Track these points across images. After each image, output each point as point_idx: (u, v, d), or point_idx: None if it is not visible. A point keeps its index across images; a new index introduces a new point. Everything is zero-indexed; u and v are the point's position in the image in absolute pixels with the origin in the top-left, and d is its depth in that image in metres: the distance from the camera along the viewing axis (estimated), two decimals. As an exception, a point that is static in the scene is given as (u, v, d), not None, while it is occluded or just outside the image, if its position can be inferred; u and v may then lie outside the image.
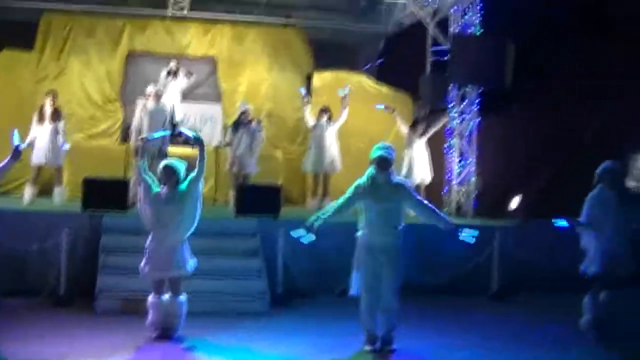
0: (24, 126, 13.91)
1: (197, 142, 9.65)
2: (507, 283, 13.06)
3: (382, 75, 20.32)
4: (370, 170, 8.87)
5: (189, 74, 17.70)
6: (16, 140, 8.89)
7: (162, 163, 9.31)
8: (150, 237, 9.12)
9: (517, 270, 13.08)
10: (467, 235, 8.87)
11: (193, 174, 9.24)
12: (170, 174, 9.04)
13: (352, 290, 9.08)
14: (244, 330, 10.01)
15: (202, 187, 9.58)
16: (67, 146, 14.54)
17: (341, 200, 8.95)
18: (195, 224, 9.10)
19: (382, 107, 16.03)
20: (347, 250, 9.32)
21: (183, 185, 9.05)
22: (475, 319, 11.40)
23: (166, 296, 9.13)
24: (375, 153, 8.85)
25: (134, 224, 10.81)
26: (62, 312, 10.93)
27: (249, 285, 11.46)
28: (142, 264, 9.14)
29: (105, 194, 12.42)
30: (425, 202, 9.15)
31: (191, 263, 9.13)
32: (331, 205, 9.22)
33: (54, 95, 14.71)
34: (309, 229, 8.85)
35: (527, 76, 16.27)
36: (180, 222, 8.95)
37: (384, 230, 8.78)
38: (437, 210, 9.10)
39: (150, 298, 9.19)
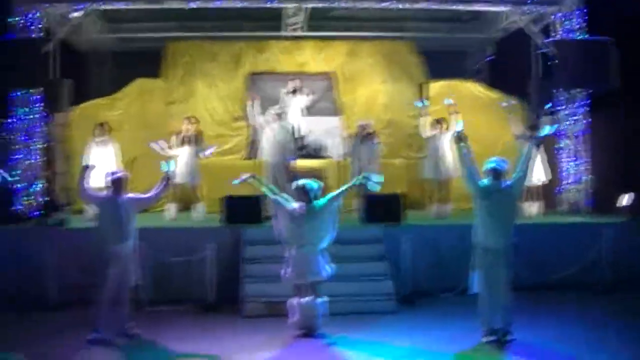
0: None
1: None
2: (616, 279, 13.83)
3: (492, 81, 21.38)
4: (484, 180, 10.17)
5: (310, 93, 19.16)
6: (165, 167, 10.60)
7: (297, 182, 10.72)
8: (289, 247, 10.56)
9: (628, 266, 13.89)
10: None
11: (332, 194, 10.68)
12: (303, 192, 10.43)
13: (471, 289, 10.37)
14: (375, 327, 11.38)
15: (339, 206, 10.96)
16: (209, 151, 16.27)
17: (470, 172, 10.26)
18: (331, 237, 10.50)
19: (505, 105, 17.05)
20: (466, 251, 10.56)
21: (320, 202, 10.45)
22: (586, 313, 12.30)
23: (306, 298, 10.58)
24: (489, 165, 10.14)
25: (271, 236, 12.26)
26: (210, 317, 12.51)
27: (377, 287, 12.75)
28: (284, 270, 10.61)
29: (242, 209, 14.06)
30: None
31: (328, 269, 10.54)
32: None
33: (192, 119, 16.48)
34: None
35: (634, 75, 17.07)
36: (317, 234, 10.33)
37: (497, 232, 10.03)
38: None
39: (292, 301, 10.65)
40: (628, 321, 11.83)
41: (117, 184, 10.76)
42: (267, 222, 13.92)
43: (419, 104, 17.28)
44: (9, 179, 16.48)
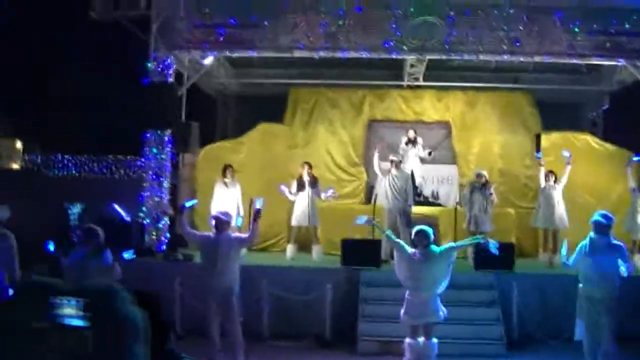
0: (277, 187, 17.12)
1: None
2: None
3: (605, 133, 21.90)
4: (591, 233, 10.83)
5: (429, 152, 19.88)
6: (258, 204, 11.60)
7: (417, 228, 11.54)
8: (407, 290, 11.38)
9: None
10: None
11: (453, 245, 11.52)
12: (422, 237, 11.22)
13: (577, 335, 11.00)
14: (485, 370, 12.13)
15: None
16: (330, 192, 17.04)
17: (572, 261, 10.95)
18: (446, 283, 11.27)
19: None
20: (572, 299, 11.19)
21: (437, 249, 11.24)
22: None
23: (420, 339, 11.35)
24: (594, 218, 10.83)
25: (388, 278, 13.21)
26: (326, 353, 13.44)
27: (488, 331, 13.48)
28: (402, 311, 11.42)
29: (360, 252, 15.01)
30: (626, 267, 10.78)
31: (442, 312, 11.31)
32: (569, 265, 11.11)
33: (309, 165, 17.42)
34: None
35: None
36: (434, 279, 11.05)
37: (601, 283, 10.65)
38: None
39: (407, 340, 11.43)
40: None
41: (217, 224, 11.58)
42: (383, 265, 14.84)
43: (538, 155, 17.94)
44: (126, 216, 17.75)
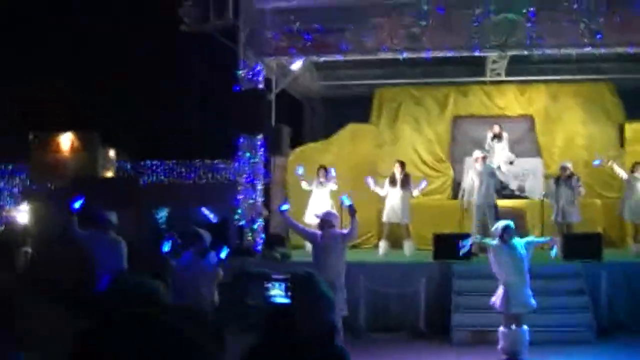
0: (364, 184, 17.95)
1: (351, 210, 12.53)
2: None
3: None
4: None
5: (511, 162, 20.13)
6: (346, 201, 12.38)
7: (503, 223, 12.28)
8: (502, 279, 12.08)
9: None
10: None
11: (530, 240, 12.27)
12: (511, 232, 12.01)
13: None
14: (574, 355, 12.81)
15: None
16: (423, 185, 17.88)
17: None
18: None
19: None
20: None
21: (519, 242, 11.99)
22: None
23: (513, 327, 12.04)
24: None
25: (479, 270, 14.03)
26: (422, 344, 14.22)
27: (578, 318, 14.07)
28: (494, 301, 12.10)
29: (451, 246, 15.67)
30: None
31: (533, 301, 12.00)
32: None
33: (402, 163, 18.22)
34: None
35: None
36: (521, 269, 11.86)
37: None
38: None
39: (501, 329, 12.15)
40: None
41: (323, 222, 12.46)
42: (474, 258, 15.56)
43: (597, 163, 18.31)
44: (214, 219, 18.69)
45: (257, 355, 3.45)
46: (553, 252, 12.46)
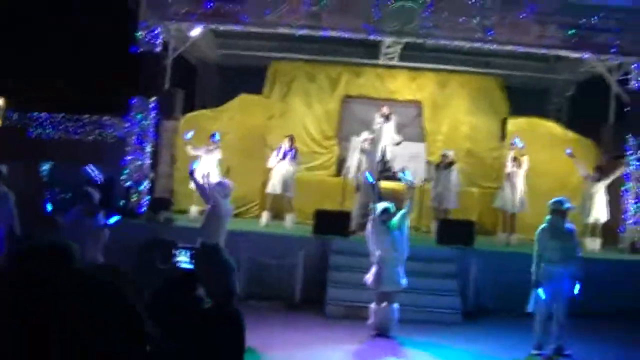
0: (255, 155, 19.13)
1: (411, 185, 13.32)
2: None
3: (570, 120, 23.24)
4: (549, 218, 12.23)
5: (398, 143, 20.37)
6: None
7: (382, 205, 12.89)
8: (376, 259, 12.71)
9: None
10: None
11: (404, 210, 12.89)
12: (389, 214, 12.67)
13: (529, 307, 12.33)
14: (441, 334, 13.48)
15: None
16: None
17: (535, 253, 12.21)
18: (407, 252, 12.67)
19: (569, 152, 18.64)
20: (526, 277, 12.52)
21: (395, 221, 12.66)
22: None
23: (384, 304, 12.70)
24: (554, 205, 12.23)
25: (356, 247, 14.68)
26: (297, 315, 14.76)
27: (446, 301, 14.85)
28: (368, 278, 12.74)
29: (332, 222, 16.35)
30: (578, 249, 12.41)
31: (404, 281, 12.69)
32: (534, 263, 12.24)
33: (291, 138, 18.75)
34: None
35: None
36: (397, 248, 12.50)
37: (560, 262, 12.02)
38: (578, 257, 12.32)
39: (373, 305, 12.77)
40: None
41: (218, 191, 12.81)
42: (352, 235, 16.21)
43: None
44: (97, 175, 18.77)
45: (159, 310, 3.89)
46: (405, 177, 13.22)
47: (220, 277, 3.97)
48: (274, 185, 18.38)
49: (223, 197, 12.75)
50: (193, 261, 4.08)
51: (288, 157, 18.45)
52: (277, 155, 18.51)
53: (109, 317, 2.79)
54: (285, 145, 18.59)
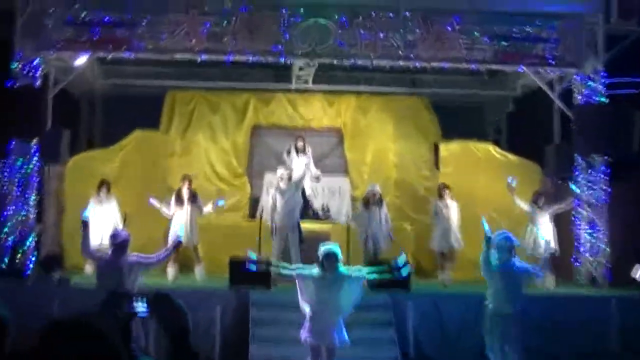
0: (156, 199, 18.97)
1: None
2: (625, 348, 16.68)
3: (511, 139, 24.49)
4: (495, 253, 13.16)
5: (317, 178, 21.51)
6: (180, 232, 13.61)
7: (325, 249, 12.83)
8: (310, 312, 12.75)
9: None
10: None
11: (362, 273, 13.17)
12: (334, 260, 12.64)
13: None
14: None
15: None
16: (221, 202, 19.22)
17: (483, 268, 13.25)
18: (355, 305, 12.87)
19: (510, 180, 19.44)
20: (470, 319, 13.53)
21: (347, 271, 12.81)
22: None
23: (320, 362, 13.23)
24: (500, 241, 13.14)
25: (279, 299, 15.51)
26: (217, 378, 15.54)
27: (384, 352, 15.66)
28: (304, 332, 12.84)
29: (250, 271, 16.98)
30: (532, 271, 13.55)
31: (346, 336, 12.77)
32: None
33: (189, 179, 19.32)
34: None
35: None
36: (343, 300, 12.67)
37: (507, 300, 12.97)
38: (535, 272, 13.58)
39: (307, 364, 13.34)
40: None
41: (120, 246, 13.21)
42: (274, 286, 17.02)
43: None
44: None
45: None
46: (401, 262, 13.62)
47: (175, 318, 4.93)
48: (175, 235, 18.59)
49: (118, 249, 13.18)
50: (148, 307, 5.04)
51: (187, 200, 18.97)
52: (176, 200, 19.05)
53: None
54: (183, 187, 19.14)
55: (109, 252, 13.51)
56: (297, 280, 12.90)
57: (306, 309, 12.77)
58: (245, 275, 16.74)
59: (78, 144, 22.93)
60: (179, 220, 18.84)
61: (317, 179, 21.51)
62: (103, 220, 18.65)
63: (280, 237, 18.66)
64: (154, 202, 18.92)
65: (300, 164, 21.31)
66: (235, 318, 16.53)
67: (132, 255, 13.39)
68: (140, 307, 5.17)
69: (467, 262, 17.86)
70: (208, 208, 19.15)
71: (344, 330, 12.78)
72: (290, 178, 19.20)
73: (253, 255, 13.82)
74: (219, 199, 19.37)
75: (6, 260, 18.51)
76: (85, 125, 24.80)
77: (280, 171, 19.33)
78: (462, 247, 19.59)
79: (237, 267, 17.05)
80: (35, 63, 19.14)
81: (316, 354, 12.91)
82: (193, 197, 19.14)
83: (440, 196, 19.93)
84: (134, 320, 5.34)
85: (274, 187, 19.31)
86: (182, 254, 19.28)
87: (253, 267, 13.93)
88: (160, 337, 5.14)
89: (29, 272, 18.47)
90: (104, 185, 19.29)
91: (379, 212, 19.28)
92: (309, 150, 21.77)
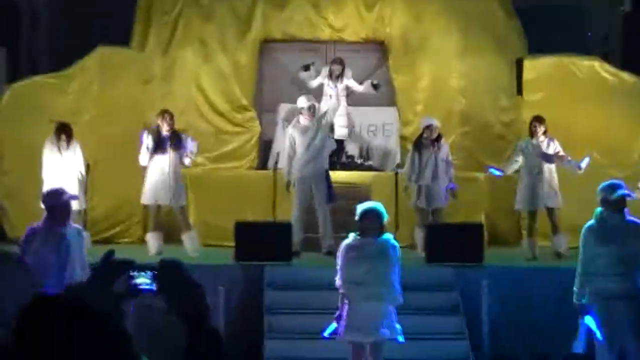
0: (130, 144, 20.01)
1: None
2: None
3: (627, 55, 24.73)
4: (600, 210, 13.49)
5: (375, 85, 22.17)
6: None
7: (365, 207, 13.39)
8: (348, 297, 13.25)
9: None
10: None
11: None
12: (374, 219, 13.14)
13: (577, 347, 13.49)
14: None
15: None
16: (190, 146, 19.50)
17: (579, 264, 13.48)
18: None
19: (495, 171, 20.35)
20: (564, 302, 13.99)
21: (389, 235, 13.43)
22: None
23: (364, 361, 13.71)
24: (610, 193, 13.34)
25: (303, 277, 16.09)
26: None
27: (447, 349, 16.26)
28: (342, 325, 13.27)
29: (262, 241, 17.64)
30: None
31: (398, 327, 13.24)
32: (577, 280, 13.51)
33: (169, 114, 19.64)
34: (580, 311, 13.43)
35: None
36: (388, 278, 13.10)
37: (621, 276, 13.32)
38: None
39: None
40: None
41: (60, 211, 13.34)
42: (295, 258, 17.70)
43: (494, 172, 20.34)
44: None
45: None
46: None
47: (190, 295, 5.39)
48: (155, 192, 19.23)
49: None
50: (154, 282, 5.38)
51: (168, 146, 19.29)
52: (149, 145, 19.31)
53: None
54: (162, 126, 19.47)
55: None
56: (338, 263, 13.28)
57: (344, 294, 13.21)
58: (256, 246, 17.40)
59: (18, 68, 23.35)
60: (157, 172, 19.22)
61: (375, 87, 22.16)
62: (63, 175, 18.98)
63: (302, 191, 19.16)
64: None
65: (334, 94, 21.90)
66: (243, 303, 17.01)
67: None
68: (143, 280, 5.50)
69: (567, 226, 18.22)
70: (186, 158, 19.49)
71: (394, 319, 13.22)
72: (313, 111, 19.69)
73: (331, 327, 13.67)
74: (188, 141, 19.60)
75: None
76: (27, 42, 24.84)
77: (302, 101, 19.71)
78: (560, 206, 19.81)
79: (245, 235, 17.66)
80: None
81: (358, 353, 13.33)
82: (177, 141, 19.41)
83: (532, 134, 19.99)
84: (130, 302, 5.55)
85: (292, 123, 19.91)
86: (163, 217, 19.83)
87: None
88: (170, 323, 5.43)
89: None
90: (65, 130, 19.44)
91: (436, 157, 19.61)
92: (348, 72, 22.23)
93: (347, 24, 24.01)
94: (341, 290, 13.16)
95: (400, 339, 13.21)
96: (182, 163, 19.54)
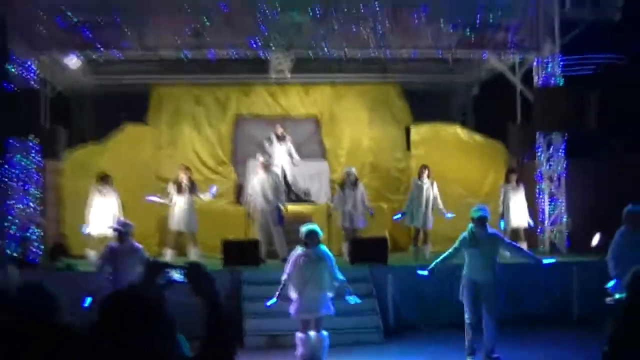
0: (148, 189, 20.15)
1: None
2: (583, 312, 17.87)
3: (477, 122, 25.42)
4: (471, 226, 14.06)
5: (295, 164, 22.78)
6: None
7: (306, 228, 14.07)
8: (297, 290, 13.80)
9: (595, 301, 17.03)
10: (548, 263, 14.81)
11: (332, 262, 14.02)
12: (315, 236, 13.88)
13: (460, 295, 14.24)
14: (366, 356, 15.51)
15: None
16: (213, 190, 20.04)
17: (451, 250, 14.26)
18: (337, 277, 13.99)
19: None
20: (446, 288, 14.43)
21: (323, 246, 14.10)
22: (559, 341, 16.31)
23: (312, 333, 13.94)
24: (475, 213, 14.06)
25: (268, 276, 16.44)
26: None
27: (366, 321, 16.71)
28: (293, 307, 13.92)
29: (241, 252, 18.09)
30: (514, 244, 15.01)
31: (331, 306, 13.92)
32: (444, 254, 14.35)
33: (188, 168, 20.23)
34: (429, 271, 14.35)
35: (610, 120, 21.07)
36: (325, 274, 13.79)
37: (484, 269, 13.98)
38: (524, 250, 15.11)
39: (299, 335, 14.03)
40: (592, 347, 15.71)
41: (119, 235, 14.24)
42: (263, 264, 18.16)
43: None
44: None
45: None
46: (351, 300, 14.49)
47: (208, 285, 5.66)
48: (177, 222, 19.79)
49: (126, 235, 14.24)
50: (184, 276, 5.73)
51: (186, 190, 19.79)
52: (176, 189, 19.81)
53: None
54: (182, 177, 19.90)
55: (115, 239, 14.41)
56: (291, 258, 14.03)
57: (293, 290, 13.88)
58: (237, 256, 17.86)
59: (72, 141, 23.10)
60: (179, 208, 19.79)
61: (295, 164, 22.70)
62: (103, 211, 19.39)
63: (262, 219, 19.73)
64: (152, 198, 19.87)
65: (281, 151, 22.51)
66: (228, 295, 17.04)
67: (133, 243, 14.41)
68: (176, 275, 5.80)
69: (442, 237, 18.53)
70: (206, 196, 19.98)
71: (329, 302, 13.90)
72: (268, 165, 20.29)
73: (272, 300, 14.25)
74: (211, 187, 20.17)
75: (17, 250, 19.16)
76: (77, 123, 25.08)
77: (260, 157, 20.52)
78: (431, 227, 20.40)
79: (230, 248, 18.19)
80: (28, 65, 19.77)
81: (306, 325, 13.97)
82: (192, 186, 19.96)
83: (419, 176, 20.33)
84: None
85: (255, 173, 20.43)
86: (180, 240, 20.29)
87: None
88: (195, 304, 5.70)
89: (35, 260, 19.15)
90: (105, 178, 19.72)
91: (355, 193, 20.05)
92: (288, 137, 22.74)
93: (293, 105, 24.72)
94: (283, 282, 13.93)
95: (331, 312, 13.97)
96: (199, 199, 20.07)
